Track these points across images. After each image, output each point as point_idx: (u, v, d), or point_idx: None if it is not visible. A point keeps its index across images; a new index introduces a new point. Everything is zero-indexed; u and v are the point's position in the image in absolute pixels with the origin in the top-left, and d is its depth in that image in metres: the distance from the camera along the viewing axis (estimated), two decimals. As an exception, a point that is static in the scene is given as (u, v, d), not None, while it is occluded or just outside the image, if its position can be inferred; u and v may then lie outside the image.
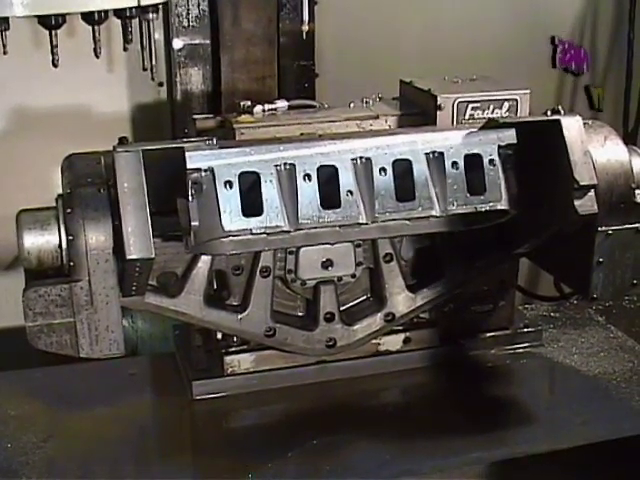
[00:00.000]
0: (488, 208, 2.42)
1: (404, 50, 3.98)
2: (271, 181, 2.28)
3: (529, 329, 3.00)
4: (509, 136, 2.43)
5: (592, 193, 2.42)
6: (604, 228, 2.53)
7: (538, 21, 4.26)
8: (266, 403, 2.71)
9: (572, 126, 2.42)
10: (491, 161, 2.42)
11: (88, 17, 2.91)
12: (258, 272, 2.57)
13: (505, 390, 2.87)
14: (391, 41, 3.96)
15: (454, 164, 2.39)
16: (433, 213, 2.39)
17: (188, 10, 3.43)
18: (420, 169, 2.38)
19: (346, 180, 2.33)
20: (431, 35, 4.08)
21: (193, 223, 2.25)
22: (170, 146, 2.29)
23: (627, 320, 3.18)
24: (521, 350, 2.97)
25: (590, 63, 4.43)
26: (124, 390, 2.79)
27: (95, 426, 2.62)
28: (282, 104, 2.83)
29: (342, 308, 2.70)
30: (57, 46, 2.91)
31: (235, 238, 2.30)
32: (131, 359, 3.06)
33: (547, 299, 3.23)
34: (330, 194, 2.32)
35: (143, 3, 2.89)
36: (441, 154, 2.39)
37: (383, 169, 2.34)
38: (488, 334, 2.95)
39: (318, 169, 2.31)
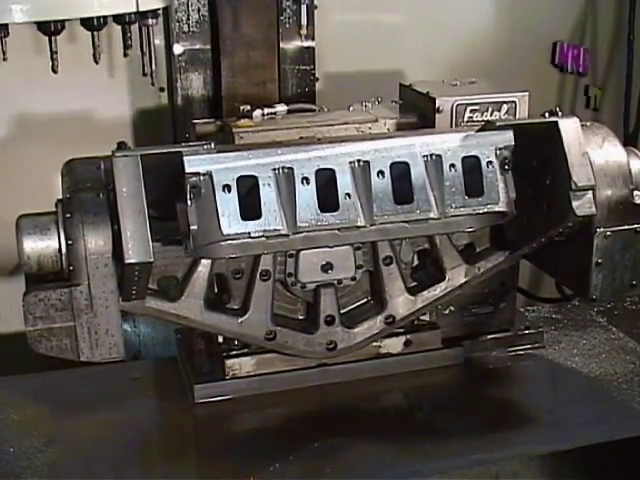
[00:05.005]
0: (486, 210, 2.43)
1: (404, 54, 3.99)
2: (269, 184, 2.29)
3: (530, 331, 3.00)
4: (506, 138, 2.44)
5: (590, 194, 2.43)
6: (603, 229, 2.53)
7: (538, 23, 4.26)
8: (267, 406, 2.72)
9: (570, 128, 2.43)
10: (489, 163, 2.42)
11: (87, 23, 2.93)
12: (258, 276, 2.58)
13: (506, 392, 2.88)
14: (391, 45, 3.97)
15: (452, 166, 2.39)
16: (431, 215, 2.39)
17: (188, 15, 3.44)
18: (418, 172, 2.38)
19: (344, 183, 2.33)
20: (431, 39, 4.09)
21: (192, 227, 2.26)
22: (168, 151, 2.30)
23: (629, 321, 3.18)
24: (522, 352, 2.97)
25: (590, 63, 4.44)
26: (127, 394, 2.80)
27: (97, 430, 2.62)
28: (281, 108, 2.84)
29: (342, 311, 2.71)
30: (57, 52, 2.93)
31: (234, 242, 2.31)
32: (134, 363, 3.09)
33: (548, 301, 3.23)
34: (328, 197, 2.32)
35: (142, 9, 2.90)
36: (439, 157, 2.39)
37: (381, 172, 2.35)
38: (489, 336, 2.96)
39: (316, 172, 2.32)
